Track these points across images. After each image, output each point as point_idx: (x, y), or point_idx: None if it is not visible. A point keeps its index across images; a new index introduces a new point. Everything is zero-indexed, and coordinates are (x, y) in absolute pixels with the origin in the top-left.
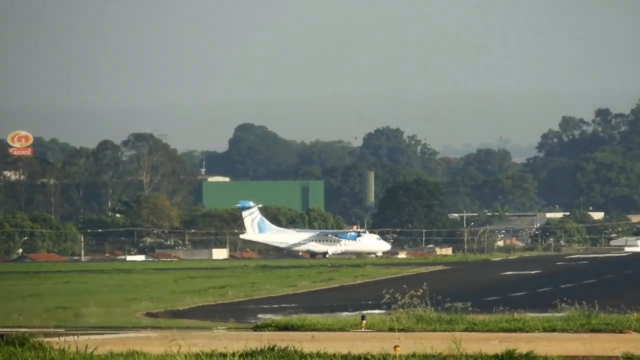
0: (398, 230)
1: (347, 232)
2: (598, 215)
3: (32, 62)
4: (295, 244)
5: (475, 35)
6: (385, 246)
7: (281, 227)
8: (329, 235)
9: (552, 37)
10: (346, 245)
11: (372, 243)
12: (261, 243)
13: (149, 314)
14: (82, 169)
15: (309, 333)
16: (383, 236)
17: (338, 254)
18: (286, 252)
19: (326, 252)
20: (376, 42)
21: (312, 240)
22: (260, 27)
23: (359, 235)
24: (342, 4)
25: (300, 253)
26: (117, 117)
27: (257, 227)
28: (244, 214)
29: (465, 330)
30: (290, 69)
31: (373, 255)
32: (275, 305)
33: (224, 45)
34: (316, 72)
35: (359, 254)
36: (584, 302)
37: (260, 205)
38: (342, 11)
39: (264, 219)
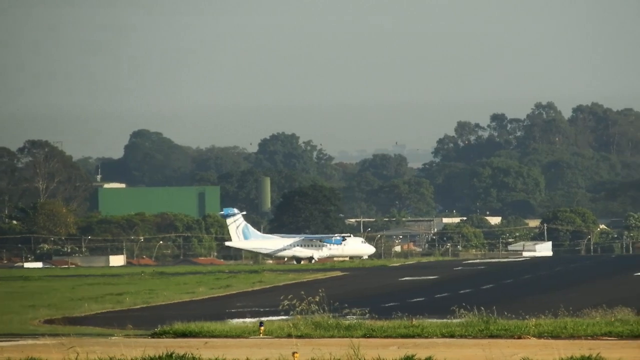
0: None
1: (332, 236)
2: (495, 220)
3: None
4: (280, 249)
5: (373, 44)
6: (371, 249)
7: (178, 233)
8: (314, 240)
9: (449, 44)
10: (331, 249)
11: (357, 246)
12: (246, 250)
13: (47, 321)
14: None
15: (205, 339)
16: None
17: (324, 258)
18: (272, 258)
19: (312, 257)
20: (275, 49)
21: (297, 246)
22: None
23: (343, 240)
24: (250, 12)
25: (285, 259)
26: (12, 123)
27: (241, 234)
28: (228, 221)
29: (364, 336)
30: (187, 76)
31: (362, 258)
32: (173, 312)
33: (122, 53)
34: (212, 78)
35: (344, 258)
36: (482, 308)
37: (244, 213)
38: (249, 18)
39: (248, 225)
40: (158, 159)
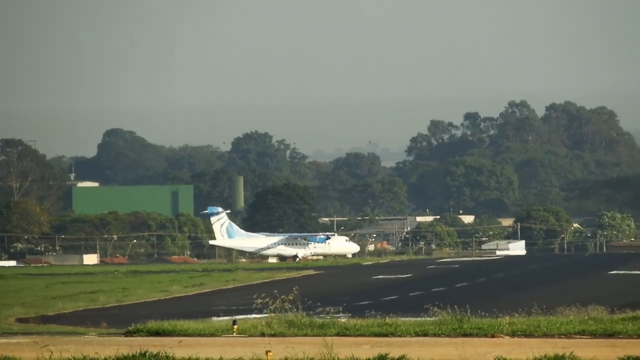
0: (267, 235)
1: (316, 235)
2: (468, 219)
3: None
4: (264, 248)
5: (347, 43)
6: (355, 248)
7: (151, 232)
8: (298, 238)
9: (423, 44)
10: (315, 248)
11: (341, 245)
12: (230, 248)
13: (20, 320)
14: None
15: (179, 338)
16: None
17: (308, 256)
18: (256, 256)
19: (296, 256)
20: (249, 48)
21: (282, 244)
22: (136, 32)
23: (328, 238)
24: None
25: (269, 257)
26: None
27: (225, 233)
28: (213, 219)
29: (337, 334)
30: (161, 75)
31: (347, 257)
32: (147, 311)
33: (95, 52)
34: (185, 78)
35: (329, 257)
36: (455, 307)
37: (228, 211)
38: (221, 17)
39: (232, 224)
40: (131, 157)
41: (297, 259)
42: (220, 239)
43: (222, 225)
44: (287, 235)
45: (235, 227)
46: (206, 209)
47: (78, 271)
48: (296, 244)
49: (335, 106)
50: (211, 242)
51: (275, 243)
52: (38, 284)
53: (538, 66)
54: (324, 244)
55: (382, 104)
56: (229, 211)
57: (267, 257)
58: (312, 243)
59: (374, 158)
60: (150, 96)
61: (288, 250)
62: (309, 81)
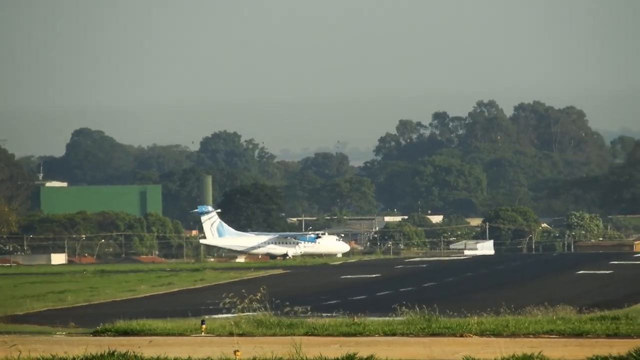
0: None
1: (306, 234)
2: (437, 219)
3: None
4: (254, 247)
5: (315, 42)
6: (345, 247)
7: (119, 231)
8: (288, 237)
9: (390, 42)
10: (306, 247)
11: (331, 244)
12: (221, 247)
13: None
14: None
15: (148, 338)
16: None
17: (298, 255)
18: (246, 255)
19: (286, 254)
20: (216, 47)
21: (272, 243)
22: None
23: (318, 237)
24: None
25: (260, 256)
26: None
27: (216, 232)
28: (203, 218)
29: (306, 334)
30: (129, 74)
31: (338, 256)
32: (115, 310)
33: (61, 49)
34: (153, 76)
35: (319, 256)
36: (424, 306)
37: (219, 210)
38: (188, 15)
39: (222, 223)
40: (100, 157)
41: (287, 257)
42: (211, 238)
43: (212, 225)
44: (277, 234)
45: (225, 226)
46: (196, 208)
47: (46, 271)
48: (286, 243)
49: (303, 105)
50: (202, 241)
51: (265, 242)
52: (6, 283)
53: (506, 66)
54: (314, 243)
55: (351, 103)
56: (219, 210)
57: (257, 255)
58: (302, 242)
59: (342, 158)
60: (119, 96)
61: (278, 249)
62: (276, 81)
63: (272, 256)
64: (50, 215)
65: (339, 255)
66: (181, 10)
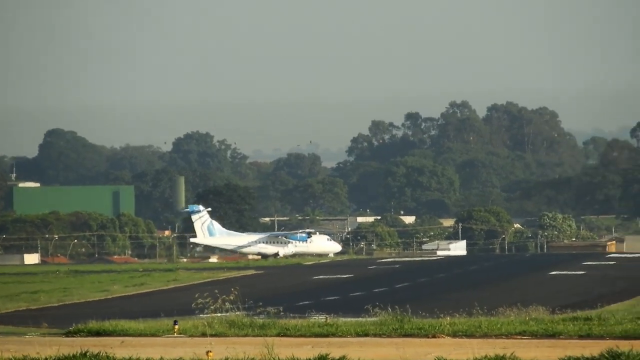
0: None
1: (297, 233)
2: (409, 219)
3: None
4: (245, 246)
5: (286, 42)
6: (337, 247)
7: (92, 232)
8: (280, 237)
9: (363, 42)
10: (297, 246)
11: (323, 244)
12: (211, 246)
13: None
14: None
15: (120, 338)
16: None
17: (289, 255)
18: (237, 254)
19: (277, 254)
20: (189, 47)
21: (263, 242)
22: (76, 31)
23: (309, 237)
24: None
25: (250, 256)
26: None
27: (207, 231)
28: (194, 217)
29: (278, 335)
30: (101, 74)
31: (330, 256)
32: (88, 311)
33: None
34: (126, 77)
35: (310, 255)
36: (396, 307)
37: (209, 209)
38: (161, 15)
39: (213, 222)
40: (72, 158)
41: (278, 257)
42: (202, 237)
43: (203, 224)
44: (268, 233)
45: (216, 225)
46: (187, 207)
47: (19, 271)
48: (277, 242)
49: (276, 106)
50: (192, 239)
51: (255, 241)
52: None
53: (479, 66)
54: (305, 242)
55: (323, 103)
56: (209, 209)
57: (247, 254)
58: (293, 241)
59: (315, 158)
60: (92, 96)
61: (269, 249)
62: (248, 81)
63: (264, 255)
64: (23, 215)
65: (331, 255)
66: (151, 12)
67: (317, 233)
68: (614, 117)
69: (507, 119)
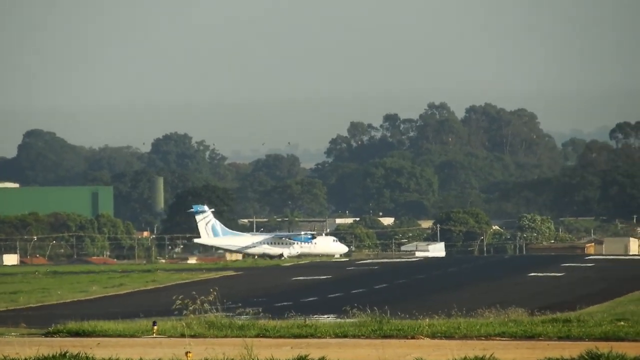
0: (188, 235)
1: (300, 234)
2: (388, 221)
3: None
4: (249, 246)
5: (266, 42)
6: (343, 248)
7: (71, 232)
8: (283, 238)
9: (341, 43)
10: (302, 247)
11: (329, 245)
12: (216, 247)
13: None
14: None
15: (98, 339)
16: (172, 241)
17: (294, 256)
18: (243, 255)
19: (281, 254)
20: (167, 47)
21: (267, 243)
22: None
23: (313, 237)
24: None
25: (255, 256)
26: None
27: (211, 231)
28: (198, 218)
29: (257, 336)
30: (81, 75)
31: (336, 257)
32: (67, 311)
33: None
34: (104, 78)
35: (316, 256)
36: (375, 308)
37: (213, 210)
38: (140, 16)
39: (217, 222)
40: (51, 158)
41: (282, 257)
42: (206, 238)
43: (207, 224)
44: (272, 234)
45: (220, 225)
46: (191, 207)
47: None
48: (281, 243)
49: (254, 107)
50: (196, 240)
51: (260, 242)
52: None
53: (458, 68)
54: (309, 243)
55: (301, 104)
56: (213, 210)
57: (253, 255)
58: (298, 242)
59: (293, 159)
60: (70, 97)
61: (273, 250)
62: (226, 82)
63: (268, 256)
64: (1, 216)
65: (337, 257)
66: (130, 11)
67: (324, 234)
68: (593, 118)
69: (485, 121)
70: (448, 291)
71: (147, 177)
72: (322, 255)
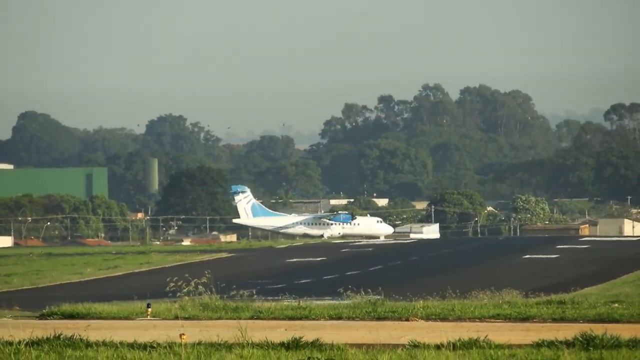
0: (182, 217)
1: (339, 214)
2: (382, 202)
3: None
4: (289, 226)
5: (256, 26)
6: (388, 229)
7: (65, 214)
8: (323, 219)
9: (335, 23)
10: (344, 228)
11: (373, 226)
12: (255, 227)
13: None
14: None
15: (92, 321)
16: (167, 223)
17: (336, 237)
18: (282, 235)
19: (322, 235)
20: (160, 30)
21: (307, 224)
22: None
23: (353, 218)
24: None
25: (297, 237)
26: None
27: (250, 211)
28: (237, 198)
29: (251, 318)
30: (75, 57)
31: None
32: (61, 293)
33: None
34: (99, 59)
35: (359, 237)
36: (370, 290)
37: (249, 190)
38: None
39: (257, 202)
40: (45, 140)
41: (323, 238)
42: (245, 218)
43: (247, 204)
44: (312, 215)
45: (260, 205)
46: (230, 188)
47: None
48: (321, 224)
49: (249, 89)
50: (235, 220)
51: (299, 222)
52: None
53: (452, 49)
54: (348, 223)
55: (296, 86)
56: (249, 190)
57: (294, 236)
58: (337, 223)
59: (288, 141)
60: (64, 78)
61: (314, 231)
62: (221, 64)
63: (308, 236)
64: None
65: (382, 238)
66: None
67: (368, 215)
68: (587, 100)
69: (480, 102)
70: (442, 273)
71: (141, 158)
72: (367, 236)
